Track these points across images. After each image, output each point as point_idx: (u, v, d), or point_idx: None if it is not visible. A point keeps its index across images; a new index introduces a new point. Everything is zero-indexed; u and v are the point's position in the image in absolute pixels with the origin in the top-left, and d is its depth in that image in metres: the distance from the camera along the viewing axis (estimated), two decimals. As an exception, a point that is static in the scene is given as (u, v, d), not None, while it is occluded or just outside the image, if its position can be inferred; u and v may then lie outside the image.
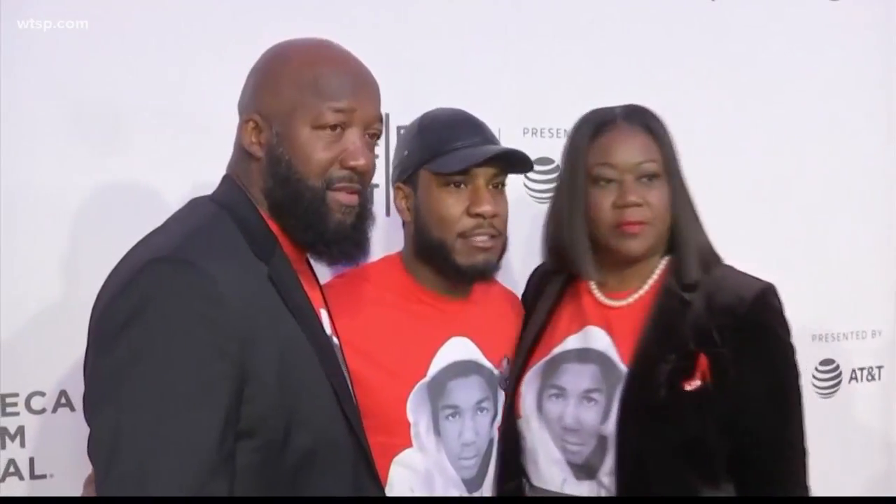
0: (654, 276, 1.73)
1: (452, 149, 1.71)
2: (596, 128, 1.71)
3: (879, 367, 2.74)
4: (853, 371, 2.71)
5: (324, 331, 1.45)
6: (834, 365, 2.68)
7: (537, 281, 1.93)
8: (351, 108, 1.40)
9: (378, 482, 1.49)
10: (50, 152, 1.87)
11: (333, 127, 1.39)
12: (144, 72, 1.93)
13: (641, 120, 1.71)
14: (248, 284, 1.29)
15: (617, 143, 1.68)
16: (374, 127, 1.45)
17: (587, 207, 1.69)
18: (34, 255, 1.87)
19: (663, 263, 1.73)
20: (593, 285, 1.77)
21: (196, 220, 1.37)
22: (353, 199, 1.42)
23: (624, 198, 1.65)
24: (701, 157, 2.44)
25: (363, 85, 1.44)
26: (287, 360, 1.31)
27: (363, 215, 1.47)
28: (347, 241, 1.44)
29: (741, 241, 2.37)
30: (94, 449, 1.21)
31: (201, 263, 1.24)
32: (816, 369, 2.66)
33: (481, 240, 1.71)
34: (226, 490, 1.21)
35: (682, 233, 1.71)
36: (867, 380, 2.73)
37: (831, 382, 2.68)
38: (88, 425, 1.26)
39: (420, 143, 1.74)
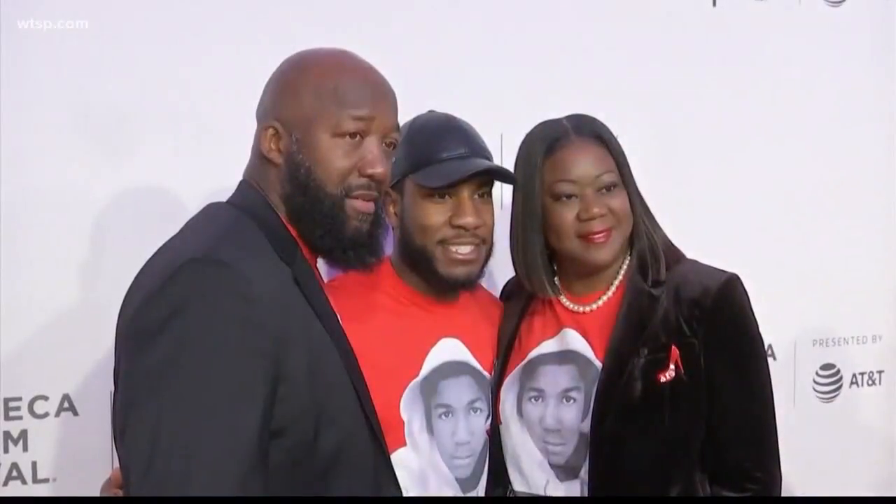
0: (619, 278, 1.76)
1: (437, 160, 1.71)
2: (549, 144, 1.72)
3: (880, 372, 2.75)
4: (854, 376, 2.72)
5: (343, 333, 1.46)
6: (835, 370, 2.69)
7: (510, 289, 1.95)
8: (370, 117, 1.41)
9: (396, 482, 1.50)
10: (50, 153, 1.87)
11: (353, 135, 1.41)
12: (144, 72, 1.92)
13: (591, 131, 1.74)
14: (279, 286, 1.32)
15: (573, 158, 1.71)
16: (391, 136, 1.47)
17: (548, 223, 1.72)
18: (36, 259, 1.86)
19: (625, 264, 1.76)
20: (561, 296, 1.79)
21: (222, 223, 1.38)
22: (369, 207, 1.44)
23: (588, 211, 1.68)
24: (701, 162, 2.49)
25: (382, 94, 1.46)
26: (315, 360, 1.32)
27: (377, 222, 1.48)
28: (363, 248, 1.46)
29: (741, 246, 2.41)
30: (131, 446, 1.21)
31: (236, 264, 1.26)
32: (817, 374, 2.67)
33: (463, 250, 1.72)
34: (261, 489, 1.22)
35: (644, 233, 1.75)
36: (868, 384, 2.74)
37: (832, 387, 2.69)
38: (119, 424, 1.26)
39: (407, 151, 1.73)
